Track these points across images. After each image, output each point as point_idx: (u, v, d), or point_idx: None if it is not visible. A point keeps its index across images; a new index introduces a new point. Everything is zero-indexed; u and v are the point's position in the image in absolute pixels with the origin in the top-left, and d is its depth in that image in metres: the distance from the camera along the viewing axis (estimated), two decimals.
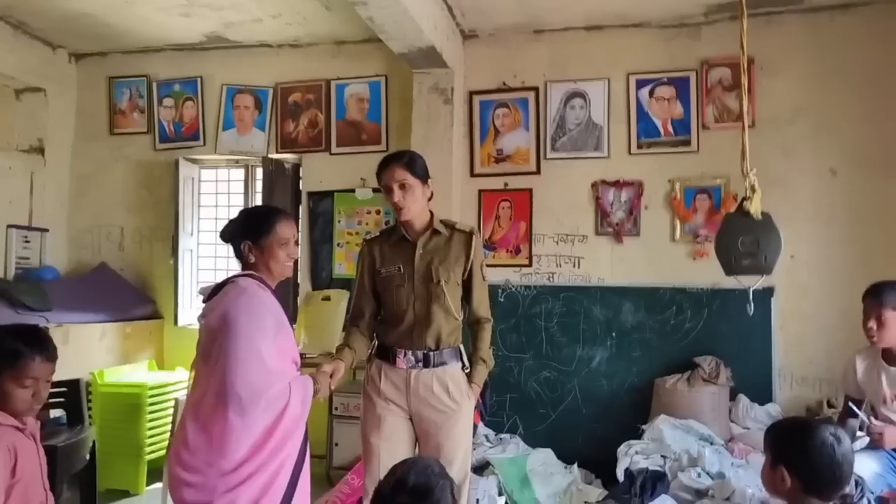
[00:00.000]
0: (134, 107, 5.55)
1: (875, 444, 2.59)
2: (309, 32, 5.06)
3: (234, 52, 5.38)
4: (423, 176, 2.68)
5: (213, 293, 2.24)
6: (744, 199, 2.82)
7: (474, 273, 2.72)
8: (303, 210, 5.24)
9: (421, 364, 2.62)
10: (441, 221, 2.74)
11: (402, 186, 2.61)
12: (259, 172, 5.33)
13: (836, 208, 4.38)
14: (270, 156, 5.23)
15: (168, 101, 5.46)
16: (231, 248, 2.33)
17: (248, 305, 2.11)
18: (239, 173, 5.54)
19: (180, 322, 5.27)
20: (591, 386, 4.63)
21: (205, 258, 5.54)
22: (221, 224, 5.29)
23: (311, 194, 5.23)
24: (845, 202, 4.36)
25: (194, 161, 5.46)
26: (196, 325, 5.23)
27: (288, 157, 5.29)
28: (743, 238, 2.81)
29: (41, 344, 2.01)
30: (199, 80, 5.40)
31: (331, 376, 2.44)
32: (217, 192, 5.59)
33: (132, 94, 5.55)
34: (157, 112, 5.48)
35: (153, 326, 5.29)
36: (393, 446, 2.60)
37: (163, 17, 4.83)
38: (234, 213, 5.28)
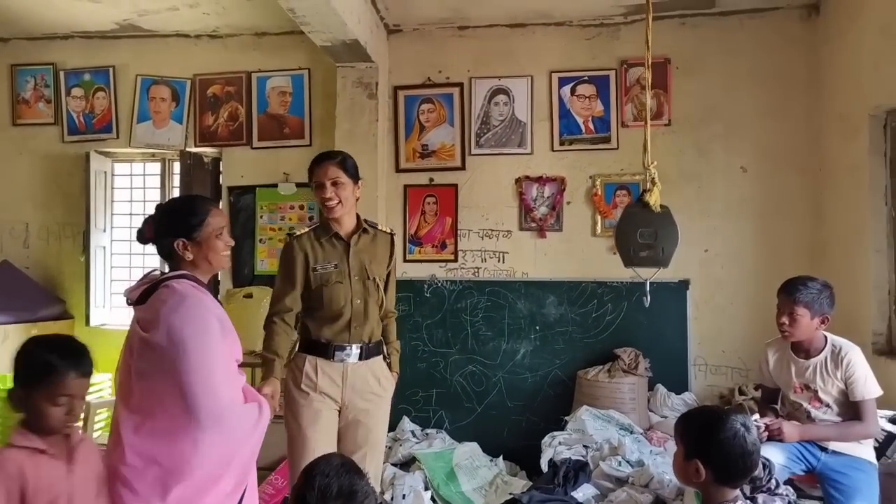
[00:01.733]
0: (39, 96, 5.26)
1: (777, 440, 2.70)
2: (228, 23, 4.91)
3: (148, 42, 5.17)
4: (355, 176, 2.76)
5: (142, 296, 2.01)
6: (644, 191, 2.89)
7: (392, 272, 2.91)
8: (223, 205, 5.09)
9: (357, 357, 2.73)
10: (365, 221, 2.84)
11: (335, 184, 2.68)
12: (177, 167, 5.15)
13: (746, 203, 4.57)
14: (189, 149, 5.06)
15: (77, 92, 5.20)
16: (154, 248, 2.12)
17: (193, 315, 1.90)
18: (155, 167, 5.33)
19: (93, 322, 5.03)
20: (515, 379, 4.69)
21: (118, 255, 5.31)
22: (137, 220, 5.18)
23: (231, 189, 5.09)
24: (755, 198, 4.56)
25: (107, 154, 5.22)
26: (110, 326, 5.06)
27: (207, 150, 5.13)
28: (642, 230, 2.88)
29: (76, 358, 1.84)
30: (111, 69, 5.17)
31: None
32: (132, 186, 5.36)
33: (37, 83, 5.25)
34: (66, 103, 5.21)
35: (62, 327, 5.02)
36: (329, 439, 2.69)
37: (71, 2, 4.58)
38: (150, 209, 5.04)
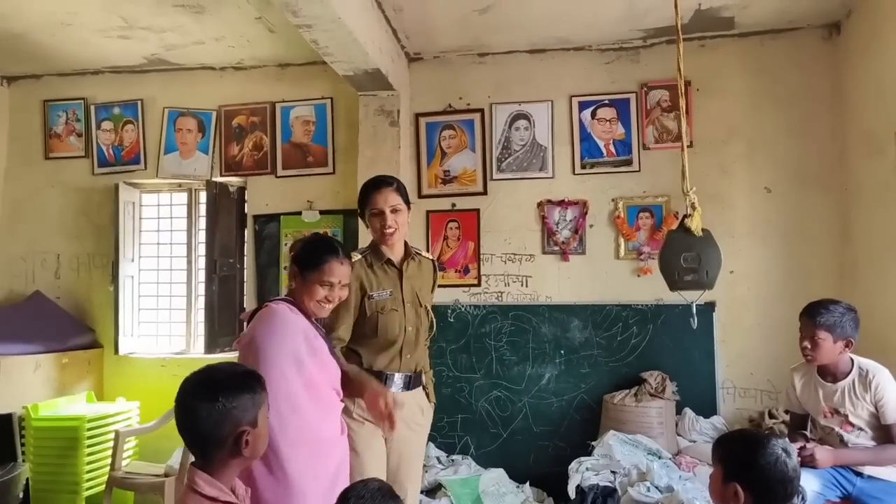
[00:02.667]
0: (70, 130, 5.40)
1: (810, 466, 2.64)
2: (252, 55, 5.02)
3: (175, 75, 5.29)
4: (408, 201, 2.74)
5: (251, 316, 2.28)
6: (685, 216, 2.89)
7: (432, 298, 2.90)
8: (248, 233, 5.16)
9: (403, 387, 2.69)
10: (411, 247, 2.82)
11: (394, 211, 2.64)
12: (203, 196, 5.23)
13: (771, 224, 4.53)
14: (214, 179, 5.15)
15: (107, 125, 5.33)
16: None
17: (272, 328, 2.13)
18: (182, 197, 5.42)
19: (121, 351, 5.10)
20: (540, 404, 4.65)
21: (146, 284, 5.39)
22: (164, 250, 5.27)
23: (256, 217, 5.16)
24: (780, 218, 4.52)
25: (135, 185, 5.33)
26: (138, 354, 5.13)
27: (232, 180, 5.21)
28: (685, 254, 2.88)
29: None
30: (139, 103, 5.29)
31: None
32: (159, 216, 5.46)
33: (68, 117, 5.40)
34: (96, 136, 5.34)
35: (92, 356, 5.10)
36: (381, 466, 2.65)
37: (101, 39, 4.72)
38: (178, 239, 5.14)
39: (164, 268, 5.39)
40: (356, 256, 2.70)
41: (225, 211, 5.12)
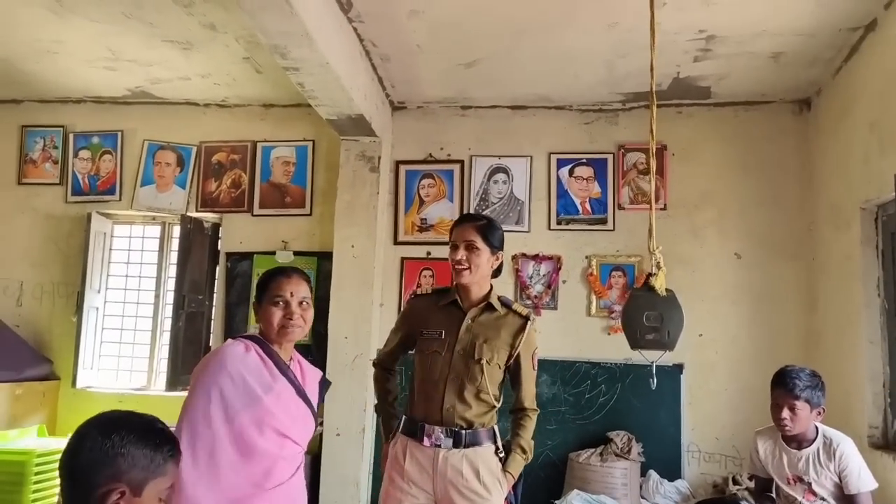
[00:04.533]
0: (47, 157, 5.34)
1: None
2: (237, 93, 5.05)
3: (158, 108, 5.29)
4: (495, 245, 2.49)
5: None
6: (649, 275, 2.91)
7: (522, 360, 2.50)
8: (220, 271, 5.11)
9: (451, 443, 2.39)
10: (498, 298, 2.54)
11: (469, 248, 2.45)
12: (176, 230, 5.19)
13: (740, 290, 4.60)
14: (190, 214, 5.11)
15: (84, 154, 5.29)
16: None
17: (207, 363, 2.05)
18: (155, 230, 5.37)
19: (79, 384, 4.96)
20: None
21: (111, 317, 5.28)
22: (132, 282, 5.18)
23: (229, 255, 5.11)
24: (749, 284, 4.60)
25: (108, 216, 5.27)
26: (96, 388, 4.99)
27: (208, 216, 5.18)
28: (648, 313, 2.87)
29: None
30: (119, 133, 5.27)
31: None
32: (130, 248, 5.38)
33: (46, 144, 5.35)
34: (72, 164, 5.29)
35: (47, 388, 4.95)
36: None
37: (86, 69, 4.72)
38: (147, 272, 5.02)
39: (130, 301, 5.30)
40: (427, 290, 2.67)
41: (198, 246, 5.07)
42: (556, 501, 4.09)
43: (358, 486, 4.49)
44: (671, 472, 4.38)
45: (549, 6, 3.61)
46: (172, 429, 1.82)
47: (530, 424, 2.51)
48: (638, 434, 4.37)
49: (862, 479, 2.63)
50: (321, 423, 4.56)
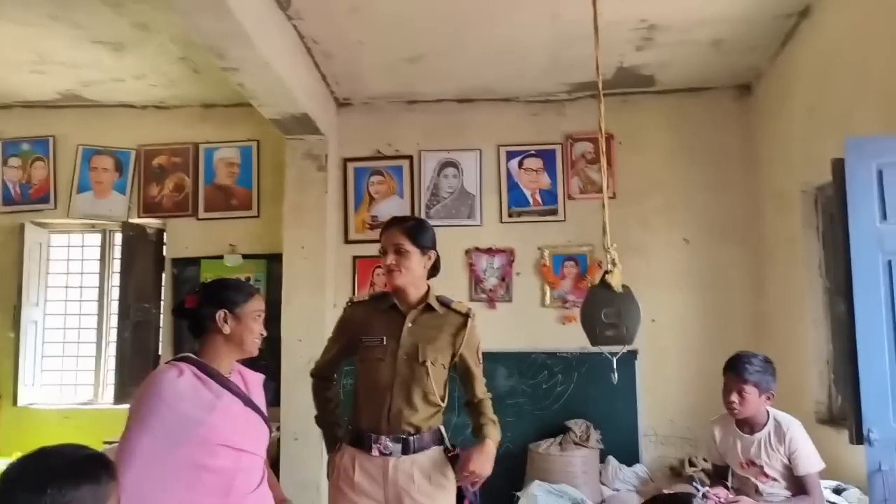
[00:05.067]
0: None
1: None
2: (176, 94, 4.89)
3: (92, 112, 5.10)
4: (425, 245, 2.46)
5: None
6: (606, 272, 2.93)
7: (468, 357, 2.49)
8: (166, 278, 4.98)
9: (399, 450, 2.36)
10: (437, 298, 2.50)
11: (398, 251, 2.41)
12: (118, 238, 5.02)
13: (691, 275, 4.68)
14: (131, 220, 4.95)
15: (14, 161, 5.07)
16: (183, 323, 2.20)
17: (145, 402, 1.95)
18: (95, 238, 5.18)
19: (21, 401, 4.77)
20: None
21: (52, 330, 5.08)
22: (72, 293, 5.00)
23: (175, 261, 4.98)
24: (699, 269, 4.68)
25: (43, 225, 5.06)
26: (39, 405, 4.81)
27: (151, 221, 5.03)
28: (606, 310, 2.90)
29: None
30: (51, 139, 5.06)
31: None
32: (69, 258, 5.19)
33: None
34: (1, 172, 5.06)
35: None
36: None
37: (13, 72, 4.51)
38: (90, 282, 4.84)
39: (72, 312, 5.11)
40: (364, 297, 2.62)
41: (142, 253, 4.92)
42: (518, 493, 4.10)
43: (318, 490, 4.43)
44: (629, 457, 4.45)
45: None
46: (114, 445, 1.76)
47: (490, 405, 2.53)
48: (596, 422, 4.42)
49: (810, 461, 2.70)
50: (277, 429, 4.48)
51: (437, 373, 2.42)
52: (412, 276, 2.44)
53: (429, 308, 2.47)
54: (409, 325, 2.44)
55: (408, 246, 2.42)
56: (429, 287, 2.52)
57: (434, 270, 2.54)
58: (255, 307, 2.16)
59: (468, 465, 2.34)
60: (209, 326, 2.10)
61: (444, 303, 2.51)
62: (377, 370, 2.42)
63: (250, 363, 2.24)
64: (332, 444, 2.54)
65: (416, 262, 2.43)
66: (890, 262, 2.61)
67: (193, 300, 2.15)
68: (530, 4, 3.64)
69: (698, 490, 2.74)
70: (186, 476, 1.92)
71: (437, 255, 2.53)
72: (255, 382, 2.22)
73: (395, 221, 2.51)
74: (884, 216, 2.63)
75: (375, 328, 2.47)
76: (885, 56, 3.03)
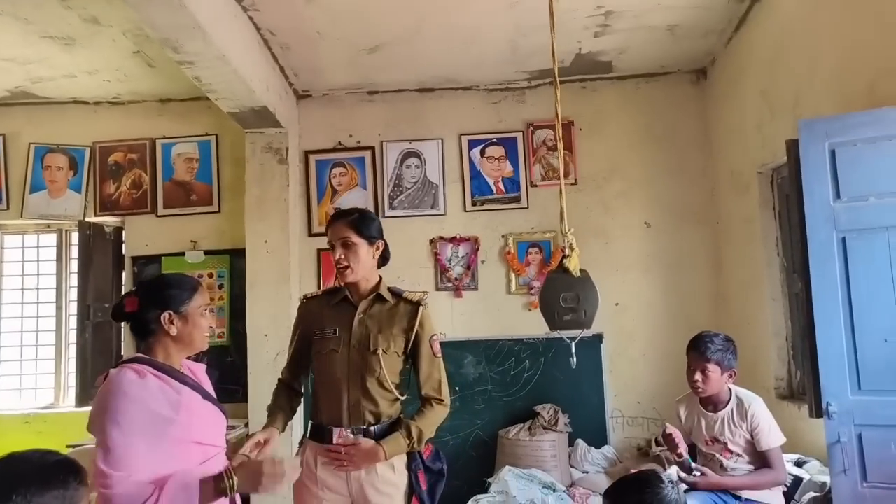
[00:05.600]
0: None
1: (693, 488, 2.79)
2: (130, 89, 4.79)
3: (44, 109, 4.96)
4: (372, 236, 2.45)
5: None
6: (564, 257, 2.96)
7: (421, 345, 2.47)
8: (126, 276, 4.88)
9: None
10: (388, 288, 2.51)
11: (345, 245, 2.41)
12: (75, 237, 4.90)
13: (652, 257, 4.75)
14: (88, 219, 4.84)
15: None
16: (123, 326, 2.10)
17: (116, 408, 1.86)
18: (51, 238, 5.05)
19: None
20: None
21: (9, 333, 4.95)
22: (28, 295, 4.87)
23: (135, 259, 4.89)
24: (660, 251, 4.75)
25: None
26: None
27: (109, 220, 4.92)
28: (564, 294, 2.92)
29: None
30: (1, 138, 4.91)
31: (264, 443, 2.26)
32: (24, 259, 5.05)
33: None
34: None
35: None
36: None
37: None
38: (46, 283, 4.72)
39: (29, 315, 4.98)
40: (318, 291, 2.62)
41: (100, 253, 4.81)
42: (489, 479, 4.14)
43: (290, 484, 4.41)
44: (598, 439, 4.52)
45: None
46: (84, 448, 1.70)
47: (429, 413, 2.46)
48: (564, 405, 4.47)
49: (772, 436, 2.78)
50: (246, 425, 4.45)
51: (389, 362, 2.41)
52: (363, 270, 2.44)
53: (380, 298, 2.48)
54: (360, 315, 2.45)
55: (354, 238, 2.42)
56: (380, 277, 2.53)
57: (384, 260, 2.54)
58: (201, 302, 2.07)
59: (350, 446, 2.32)
60: (154, 329, 2.01)
61: (396, 293, 2.52)
62: (332, 362, 2.42)
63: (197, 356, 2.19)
64: (267, 426, 2.47)
65: (365, 254, 2.44)
66: (844, 239, 2.68)
67: (133, 303, 2.03)
68: None
69: (691, 469, 2.81)
70: (164, 467, 1.89)
71: (386, 244, 2.53)
72: (201, 372, 2.18)
73: (339, 215, 2.51)
74: (837, 195, 2.70)
75: (328, 321, 2.47)
76: (835, 39, 3.11)
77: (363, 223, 2.45)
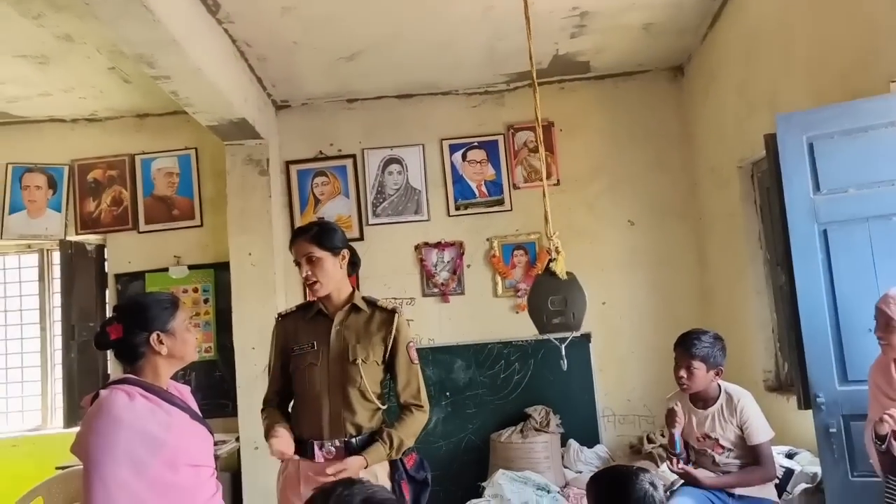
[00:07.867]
0: None
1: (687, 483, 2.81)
2: (107, 106, 4.75)
3: (20, 128, 4.91)
4: (335, 246, 2.44)
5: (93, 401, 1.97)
6: (550, 260, 2.97)
7: (398, 353, 2.46)
8: (110, 294, 4.84)
9: (343, 455, 2.34)
10: (363, 298, 2.51)
11: (310, 260, 2.39)
12: (57, 257, 4.85)
13: (637, 255, 4.77)
14: (69, 238, 4.79)
15: None
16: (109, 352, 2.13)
17: (103, 430, 1.86)
18: (32, 259, 5.00)
19: None
20: (429, 448, 4.58)
21: None
22: (12, 317, 4.82)
23: (118, 276, 4.84)
24: (645, 249, 4.77)
25: None
26: None
27: (90, 238, 4.88)
28: (552, 297, 2.94)
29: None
30: None
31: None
32: (5, 281, 4.99)
33: None
34: None
35: None
36: None
37: None
38: (29, 304, 4.65)
39: (13, 337, 4.93)
40: (291, 308, 2.58)
41: (82, 271, 4.77)
42: (483, 483, 4.13)
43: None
44: (590, 438, 4.52)
45: None
46: (73, 469, 1.70)
47: (409, 420, 2.45)
48: (555, 406, 4.46)
49: (760, 431, 2.79)
50: (237, 439, 4.42)
51: (369, 371, 2.41)
52: (333, 282, 2.44)
53: (355, 308, 2.48)
54: (337, 326, 2.45)
55: (318, 253, 2.41)
56: (354, 288, 2.53)
57: (353, 266, 2.53)
58: (184, 316, 2.08)
59: (340, 471, 2.26)
60: (143, 352, 2.01)
61: (370, 302, 2.52)
62: (311, 376, 2.41)
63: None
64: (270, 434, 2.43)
65: (331, 266, 2.43)
66: (825, 231, 2.70)
67: (118, 329, 2.01)
68: None
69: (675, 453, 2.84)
70: (156, 493, 1.88)
71: (352, 251, 2.51)
72: (187, 392, 2.18)
73: (299, 232, 2.50)
74: (817, 187, 2.73)
75: (304, 336, 2.46)
76: (808, 33, 3.14)
77: (324, 236, 2.44)
